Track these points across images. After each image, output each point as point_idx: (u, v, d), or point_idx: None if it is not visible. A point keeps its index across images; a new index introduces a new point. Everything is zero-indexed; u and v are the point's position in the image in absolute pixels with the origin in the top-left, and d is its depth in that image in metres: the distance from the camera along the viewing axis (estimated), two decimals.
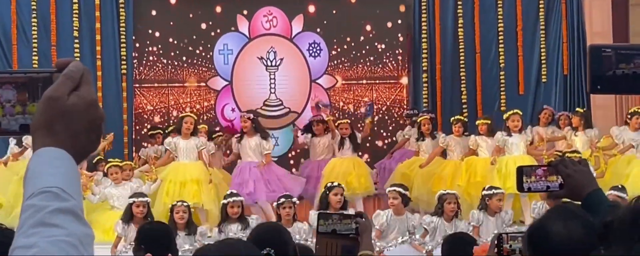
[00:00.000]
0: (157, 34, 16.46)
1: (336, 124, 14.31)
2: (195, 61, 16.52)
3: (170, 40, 16.46)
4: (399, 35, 16.96)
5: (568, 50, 16.51)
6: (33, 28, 15.69)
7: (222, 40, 16.57)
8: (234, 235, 10.38)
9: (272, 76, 16.63)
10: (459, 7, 16.64)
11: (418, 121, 14.74)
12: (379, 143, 16.61)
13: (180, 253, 9.32)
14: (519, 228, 11.05)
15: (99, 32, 15.94)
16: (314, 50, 16.74)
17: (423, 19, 16.70)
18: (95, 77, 15.45)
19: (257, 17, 16.64)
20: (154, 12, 16.51)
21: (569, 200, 3.41)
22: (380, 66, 16.87)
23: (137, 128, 16.34)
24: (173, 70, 16.50)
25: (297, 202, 11.41)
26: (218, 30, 16.57)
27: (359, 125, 15.22)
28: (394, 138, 15.99)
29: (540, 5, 16.62)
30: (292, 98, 16.65)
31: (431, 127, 14.54)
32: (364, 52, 16.82)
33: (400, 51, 16.94)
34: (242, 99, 16.56)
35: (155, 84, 16.54)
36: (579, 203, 3.30)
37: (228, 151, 14.67)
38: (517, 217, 12.53)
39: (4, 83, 1.76)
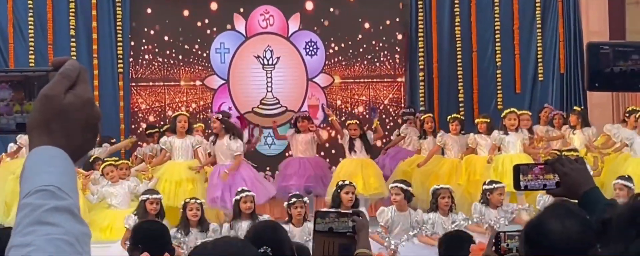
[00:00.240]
0: (151, 32, 16.43)
1: (346, 124, 14.30)
2: (191, 60, 16.49)
3: (166, 38, 16.43)
4: (397, 33, 16.97)
5: (565, 49, 16.54)
6: (30, 27, 15.67)
7: (219, 39, 16.55)
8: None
9: (269, 75, 16.62)
10: (456, 5, 16.66)
11: (421, 119, 14.77)
12: (378, 143, 16.59)
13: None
14: (517, 226, 11.06)
15: (96, 30, 15.92)
16: (311, 49, 16.74)
17: (420, 18, 16.72)
18: (92, 76, 15.44)
19: (253, 15, 16.63)
20: (149, 10, 16.48)
21: (565, 198, 3.41)
22: (378, 64, 16.88)
23: (133, 126, 16.32)
24: (169, 69, 16.47)
25: (308, 202, 11.39)
26: (214, 29, 16.55)
27: (368, 126, 15.18)
28: (392, 137, 16.00)
29: (537, 4, 16.64)
30: (289, 97, 16.64)
31: (434, 125, 14.54)
32: (361, 50, 16.82)
33: (399, 50, 16.94)
34: (238, 98, 16.55)
35: (151, 83, 16.51)
36: (576, 201, 3.30)
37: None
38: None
39: (0, 82, 1.76)
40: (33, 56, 15.61)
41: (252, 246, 3.03)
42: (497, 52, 16.67)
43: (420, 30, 16.74)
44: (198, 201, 11.10)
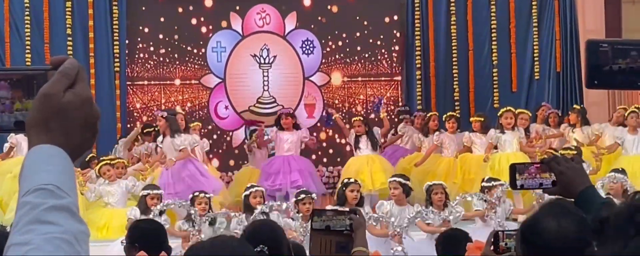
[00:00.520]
0: (146, 30, 16.41)
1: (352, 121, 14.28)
2: (187, 59, 16.48)
3: (161, 36, 16.40)
4: (395, 31, 16.98)
5: (561, 47, 16.55)
6: (26, 26, 15.65)
7: (216, 38, 16.54)
8: None
9: (265, 74, 16.61)
10: (452, 4, 16.66)
11: (427, 117, 14.82)
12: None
13: None
14: (514, 224, 11.09)
15: (92, 30, 15.91)
16: (307, 47, 16.74)
17: (417, 17, 16.72)
18: (88, 75, 15.39)
19: (250, 14, 16.62)
20: (143, 8, 16.46)
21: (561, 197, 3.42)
22: (375, 63, 16.88)
23: (129, 125, 16.31)
24: (165, 67, 16.45)
25: (316, 197, 11.46)
26: (210, 27, 16.54)
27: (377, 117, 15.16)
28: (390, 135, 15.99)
29: (533, 3, 16.65)
30: (285, 96, 16.63)
31: (438, 124, 14.55)
32: (359, 49, 16.81)
33: (397, 48, 16.95)
34: (235, 97, 16.55)
35: (145, 82, 16.49)
36: (572, 200, 3.31)
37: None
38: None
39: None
40: (29, 55, 15.59)
41: (248, 245, 3.03)
42: (494, 50, 16.67)
43: (417, 29, 16.74)
44: (207, 195, 11.21)
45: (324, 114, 15.93)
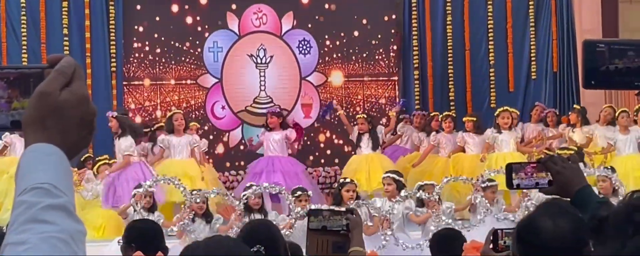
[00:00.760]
0: (140, 29, 16.39)
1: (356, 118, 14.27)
2: (183, 58, 16.46)
3: (156, 35, 16.38)
4: (393, 31, 16.98)
5: (558, 47, 16.56)
6: (22, 26, 15.64)
7: (212, 38, 16.53)
8: None
9: (262, 74, 16.61)
10: (449, 4, 16.67)
11: (431, 116, 14.87)
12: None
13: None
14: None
15: (89, 29, 15.90)
16: (304, 47, 16.74)
17: (413, 17, 16.73)
18: (85, 75, 15.32)
19: (247, 14, 16.62)
20: (138, 7, 16.44)
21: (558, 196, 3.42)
22: (372, 63, 16.87)
23: None
24: (160, 67, 16.43)
25: (312, 194, 11.48)
26: (206, 26, 16.53)
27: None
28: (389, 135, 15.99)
29: (530, 3, 16.66)
30: (282, 96, 16.62)
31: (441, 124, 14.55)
32: (355, 49, 16.81)
33: (394, 48, 16.94)
34: (232, 97, 16.54)
35: (140, 82, 16.46)
36: (568, 199, 3.31)
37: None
38: None
39: None
40: (26, 55, 15.58)
41: (244, 245, 3.03)
42: (491, 50, 16.68)
43: (414, 29, 16.75)
44: (205, 194, 11.21)
45: (330, 107, 15.79)
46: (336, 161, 16.17)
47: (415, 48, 16.75)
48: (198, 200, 10.86)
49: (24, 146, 1.69)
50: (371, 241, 10.00)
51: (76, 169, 12.73)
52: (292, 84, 16.73)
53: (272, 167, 13.67)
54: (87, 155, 13.61)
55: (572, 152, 12.21)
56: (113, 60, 16.02)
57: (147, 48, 16.34)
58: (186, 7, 16.45)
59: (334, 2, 16.80)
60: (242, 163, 15.42)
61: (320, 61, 16.79)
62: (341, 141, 16.20)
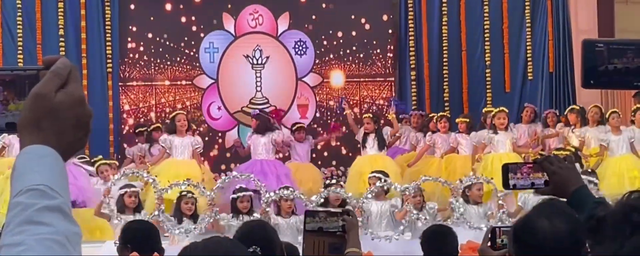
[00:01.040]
0: (134, 29, 16.38)
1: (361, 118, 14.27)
2: (179, 59, 16.45)
3: (150, 36, 16.36)
4: (389, 31, 16.97)
5: (554, 47, 16.55)
6: (18, 27, 15.63)
7: (208, 39, 16.52)
8: None
9: (258, 74, 16.60)
10: (445, 5, 16.67)
11: (430, 117, 14.86)
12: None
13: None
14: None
15: (85, 30, 15.89)
16: (300, 48, 16.73)
17: (410, 17, 16.73)
18: (81, 76, 15.38)
19: (242, 15, 16.61)
20: (132, 6, 16.42)
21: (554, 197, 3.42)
22: (369, 63, 16.86)
23: (122, 126, 16.28)
24: (156, 67, 16.42)
25: (298, 194, 11.51)
26: (201, 26, 16.52)
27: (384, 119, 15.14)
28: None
29: (526, 3, 16.66)
30: (279, 96, 16.61)
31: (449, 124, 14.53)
32: (352, 49, 16.79)
33: (391, 48, 16.94)
34: (228, 98, 16.54)
35: (135, 83, 16.45)
36: (565, 199, 3.31)
37: None
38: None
39: None
40: (22, 56, 15.57)
41: (242, 246, 3.03)
42: (487, 51, 16.68)
43: (410, 29, 16.75)
44: (194, 195, 11.31)
45: (341, 105, 15.73)
46: (334, 163, 16.18)
47: (411, 49, 16.75)
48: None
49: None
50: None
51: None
52: (288, 84, 16.73)
53: (261, 171, 13.65)
54: (81, 156, 13.58)
55: (568, 152, 12.21)
56: (109, 61, 16.02)
57: (142, 48, 16.33)
58: (181, 6, 16.43)
59: (330, 2, 16.80)
60: (239, 164, 15.40)
61: (316, 62, 16.77)
62: (338, 142, 16.18)
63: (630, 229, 2.11)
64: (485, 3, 16.64)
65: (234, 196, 11.31)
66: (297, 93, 16.71)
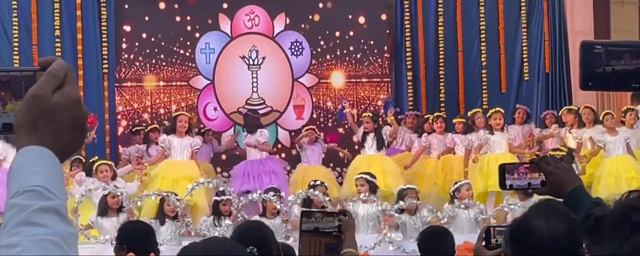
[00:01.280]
0: (127, 29, 16.37)
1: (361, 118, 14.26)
2: (175, 60, 16.43)
3: (144, 36, 16.34)
4: (385, 32, 16.97)
5: (550, 48, 16.57)
6: (14, 27, 15.61)
7: (204, 39, 16.51)
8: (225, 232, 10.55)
9: (254, 75, 16.59)
10: (441, 5, 16.68)
11: (425, 118, 14.88)
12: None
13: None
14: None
15: (80, 31, 15.88)
16: (296, 49, 16.72)
17: (406, 18, 16.74)
18: (77, 77, 15.37)
19: (239, 16, 16.60)
20: (126, 6, 16.40)
21: (551, 197, 3.43)
22: (366, 64, 16.84)
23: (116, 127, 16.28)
24: (151, 68, 16.40)
25: (283, 196, 11.54)
26: (197, 26, 16.50)
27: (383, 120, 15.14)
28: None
29: (522, 4, 16.68)
30: (275, 97, 16.62)
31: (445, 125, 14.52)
32: (349, 50, 16.77)
33: (387, 49, 16.93)
34: (224, 98, 16.52)
35: (129, 84, 16.43)
36: (562, 200, 3.31)
37: None
38: (499, 214, 12.54)
39: None
40: (17, 57, 15.56)
41: (241, 246, 3.04)
42: (483, 51, 16.70)
43: (406, 30, 16.76)
44: (177, 196, 11.25)
45: (340, 106, 15.70)
46: (331, 164, 16.16)
47: (407, 49, 16.75)
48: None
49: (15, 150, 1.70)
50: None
51: (68, 171, 12.69)
52: (284, 85, 16.72)
53: (249, 170, 13.65)
54: (77, 157, 13.57)
55: (565, 153, 12.22)
56: (105, 61, 16.00)
57: (135, 49, 16.31)
58: (176, 6, 16.41)
59: (327, 2, 16.78)
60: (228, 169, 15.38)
61: (312, 62, 16.77)
62: (336, 143, 16.15)
63: (630, 229, 2.11)
64: (481, 4, 16.65)
65: (217, 198, 11.29)
66: (293, 94, 16.70)
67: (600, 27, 16.41)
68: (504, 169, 3.46)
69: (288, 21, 16.70)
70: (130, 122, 16.08)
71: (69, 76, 1.72)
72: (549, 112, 15.12)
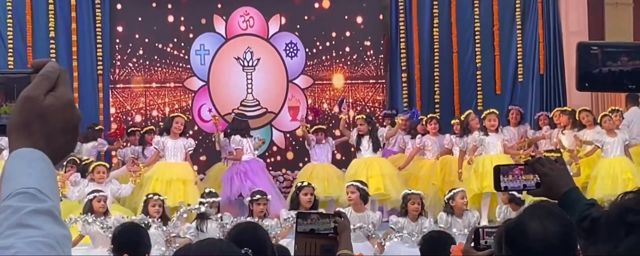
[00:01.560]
0: (120, 28, 16.35)
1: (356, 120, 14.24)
2: (169, 61, 16.42)
3: (137, 36, 16.32)
4: (380, 33, 16.97)
5: (544, 49, 16.58)
6: (8, 29, 15.60)
7: (199, 41, 16.51)
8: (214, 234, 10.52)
9: (249, 77, 16.58)
10: (435, 6, 16.68)
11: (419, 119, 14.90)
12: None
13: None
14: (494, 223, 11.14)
15: (75, 32, 15.87)
16: (291, 50, 16.72)
17: (401, 19, 16.73)
18: (71, 78, 15.34)
19: (233, 17, 16.60)
20: (118, 6, 16.38)
21: (546, 198, 3.43)
22: (362, 65, 16.83)
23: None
24: (146, 70, 16.38)
25: (270, 198, 11.46)
26: (191, 27, 16.49)
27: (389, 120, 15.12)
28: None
29: (517, 5, 16.69)
30: (269, 98, 16.61)
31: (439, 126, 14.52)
32: (344, 51, 16.76)
33: (381, 50, 16.93)
34: (219, 100, 16.51)
35: (123, 85, 16.40)
36: (556, 201, 3.31)
37: None
38: (493, 216, 12.54)
39: None
40: (12, 58, 15.55)
41: (236, 247, 3.03)
42: (477, 53, 16.70)
43: (401, 31, 16.76)
44: (161, 197, 11.19)
45: (341, 106, 15.67)
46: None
47: (402, 51, 16.76)
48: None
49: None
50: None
51: (62, 172, 12.67)
52: (279, 86, 16.72)
53: (244, 172, 13.66)
54: (71, 158, 13.55)
55: (559, 154, 12.22)
56: (99, 63, 15.99)
57: (128, 50, 16.29)
58: (169, 6, 16.39)
59: (321, 4, 16.78)
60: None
61: (307, 64, 16.76)
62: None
63: (625, 230, 2.10)
64: (475, 5, 16.66)
65: (203, 200, 11.27)
66: (288, 95, 16.69)
67: (595, 29, 16.42)
68: (498, 171, 3.46)
69: (283, 22, 16.69)
70: (126, 124, 16.04)
71: (62, 78, 1.72)
72: (542, 113, 15.13)
